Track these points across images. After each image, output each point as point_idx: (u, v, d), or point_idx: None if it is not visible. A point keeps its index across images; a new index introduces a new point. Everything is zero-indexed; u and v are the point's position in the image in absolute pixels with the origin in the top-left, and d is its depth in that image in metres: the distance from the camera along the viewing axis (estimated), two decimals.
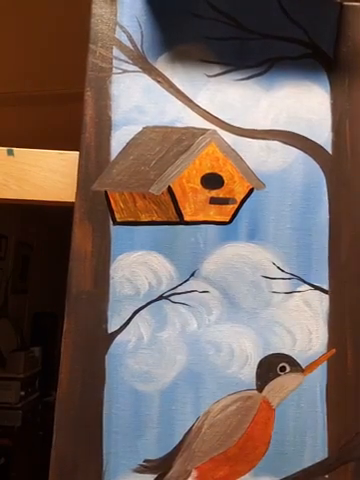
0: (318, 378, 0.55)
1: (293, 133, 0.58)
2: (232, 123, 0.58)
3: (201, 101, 0.58)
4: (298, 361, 0.55)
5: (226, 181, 0.57)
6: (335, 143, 0.58)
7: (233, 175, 0.57)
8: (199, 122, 0.58)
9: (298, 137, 0.58)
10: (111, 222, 0.56)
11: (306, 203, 0.57)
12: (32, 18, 1.25)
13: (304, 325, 0.55)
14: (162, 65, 0.58)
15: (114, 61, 0.58)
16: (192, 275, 0.55)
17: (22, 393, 2.25)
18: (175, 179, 0.56)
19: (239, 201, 0.57)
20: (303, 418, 0.54)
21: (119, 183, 0.56)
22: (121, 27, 0.59)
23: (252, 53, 0.59)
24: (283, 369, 0.54)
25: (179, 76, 0.58)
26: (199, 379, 0.54)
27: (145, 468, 0.53)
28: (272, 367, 0.54)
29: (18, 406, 2.20)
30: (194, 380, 0.54)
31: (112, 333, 0.54)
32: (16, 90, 1.54)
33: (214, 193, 0.57)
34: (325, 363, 0.55)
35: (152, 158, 0.57)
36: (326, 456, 0.54)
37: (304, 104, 0.59)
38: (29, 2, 1.19)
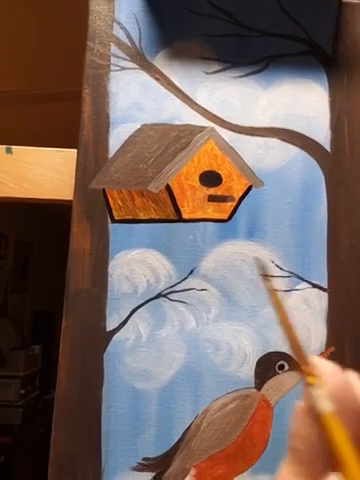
0: None
1: (291, 131, 0.58)
2: (230, 120, 0.58)
3: (199, 98, 0.58)
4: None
5: (224, 179, 0.57)
6: (333, 141, 0.58)
7: (231, 173, 0.57)
8: (197, 119, 0.57)
9: (296, 135, 0.58)
10: (109, 220, 0.56)
11: (305, 201, 0.57)
12: (31, 17, 1.25)
13: (303, 323, 0.55)
14: (160, 62, 0.58)
15: (112, 58, 0.58)
16: (191, 273, 0.55)
17: (22, 391, 2.25)
18: (173, 177, 0.56)
19: (237, 199, 0.56)
20: None
21: (117, 181, 0.56)
22: (119, 24, 0.58)
23: (250, 50, 0.59)
24: (282, 367, 0.54)
25: (177, 73, 0.58)
26: (198, 377, 0.54)
27: (144, 466, 0.52)
28: (271, 365, 0.54)
29: (18, 404, 2.21)
30: (193, 378, 0.54)
31: (110, 331, 0.54)
32: (14, 89, 1.54)
33: (212, 191, 0.56)
34: None
35: (150, 156, 0.56)
36: None
37: (302, 102, 0.58)
38: (28, 1, 1.19)
